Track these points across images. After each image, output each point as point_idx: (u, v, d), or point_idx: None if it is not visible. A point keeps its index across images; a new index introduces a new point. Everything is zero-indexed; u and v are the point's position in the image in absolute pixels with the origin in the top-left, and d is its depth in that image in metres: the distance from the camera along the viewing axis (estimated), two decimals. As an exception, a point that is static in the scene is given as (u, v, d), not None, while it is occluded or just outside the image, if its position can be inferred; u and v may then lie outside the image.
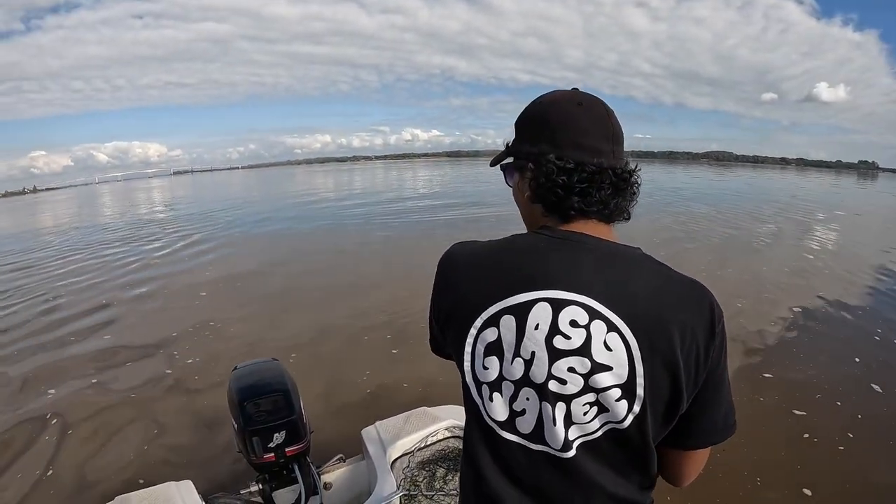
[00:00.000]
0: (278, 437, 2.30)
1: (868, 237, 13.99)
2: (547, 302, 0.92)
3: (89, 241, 15.59)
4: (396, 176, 50.06)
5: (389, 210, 19.03)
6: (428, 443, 2.38)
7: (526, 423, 0.96)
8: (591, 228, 0.99)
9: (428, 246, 10.85)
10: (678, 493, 1.06)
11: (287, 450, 2.32)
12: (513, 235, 1.03)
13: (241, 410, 2.30)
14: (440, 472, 2.25)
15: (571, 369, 0.90)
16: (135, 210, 26.48)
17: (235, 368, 2.54)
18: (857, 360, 5.33)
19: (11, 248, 15.24)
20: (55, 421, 4.50)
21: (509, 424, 0.97)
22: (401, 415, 2.57)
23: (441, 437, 2.40)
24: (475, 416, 1.02)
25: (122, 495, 2.13)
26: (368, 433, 2.51)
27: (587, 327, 0.89)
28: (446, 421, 2.45)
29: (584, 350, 0.89)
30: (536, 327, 0.92)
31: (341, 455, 2.67)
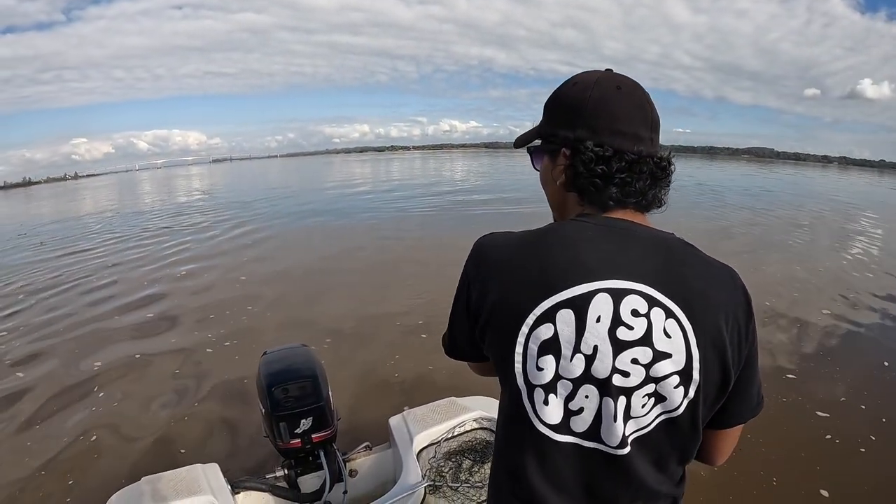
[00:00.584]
0: (305, 423, 2.30)
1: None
2: (606, 292, 0.88)
3: (135, 225, 16.02)
4: (435, 167, 49.84)
5: (431, 203, 18.83)
6: (455, 433, 2.35)
7: (581, 422, 0.91)
8: (631, 216, 0.96)
9: (463, 238, 10.78)
10: (691, 491, 1.03)
11: (314, 436, 2.32)
12: (551, 224, 1.00)
13: (268, 395, 2.31)
14: (466, 463, 2.22)
15: (635, 360, 0.87)
16: (178, 198, 26.69)
17: (265, 353, 2.54)
18: (885, 363, 5.14)
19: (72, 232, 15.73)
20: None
21: (564, 426, 0.92)
22: (429, 404, 2.55)
23: (469, 427, 2.37)
24: (520, 422, 0.94)
25: (148, 476, 2.15)
26: (395, 422, 2.49)
27: (647, 315, 0.87)
28: (474, 412, 2.41)
29: (647, 339, 0.87)
30: (598, 320, 0.88)
31: (367, 443, 2.66)
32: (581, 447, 0.92)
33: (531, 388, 0.91)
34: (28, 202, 38.21)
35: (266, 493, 2.37)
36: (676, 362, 0.87)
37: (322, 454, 2.38)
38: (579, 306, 0.88)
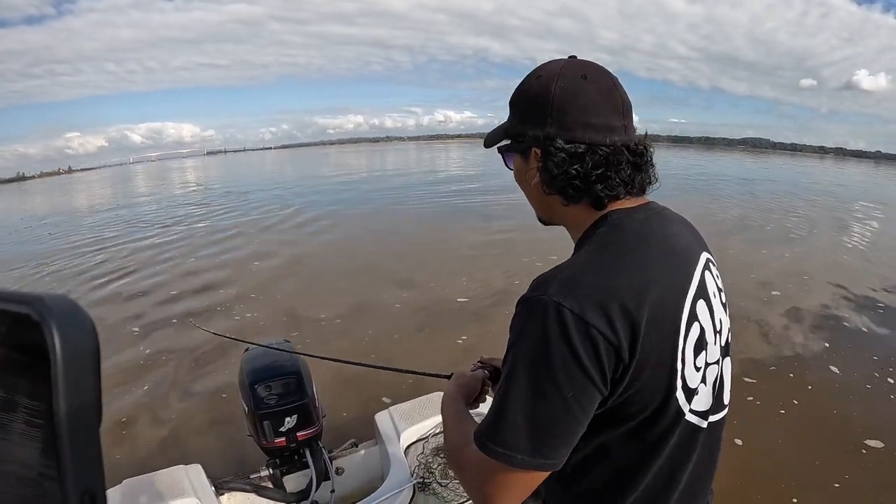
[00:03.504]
0: (290, 421, 2.25)
1: None
2: (705, 268, 0.93)
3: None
4: (430, 157, 49.78)
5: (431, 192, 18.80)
6: (442, 429, 2.31)
7: (714, 397, 0.94)
8: (633, 201, 0.94)
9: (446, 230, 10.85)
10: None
11: (299, 434, 2.27)
12: (612, 234, 0.88)
13: (251, 393, 2.25)
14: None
15: (722, 321, 0.95)
16: (188, 191, 26.24)
17: (246, 350, 2.49)
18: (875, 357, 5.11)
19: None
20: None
21: (710, 410, 0.92)
22: (416, 399, 2.52)
23: (474, 413, 2.33)
24: (665, 437, 0.86)
25: (130, 478, 2.11)
26: (382, 418, 2.46)
27: (717, 277, 0.97)
28: None
29: (721, 295, 0.96)
30: (714, 295, 0.93)
31: (354, 440, 2.63)
32: (713, 423, 0.94)
33: (690, 395, 0.87)
34: (44, 196, 38.02)
35: (251, 494, 2.33)
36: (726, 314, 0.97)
37: (308, 452, 2.33)
38: (704, 291, 0.90)
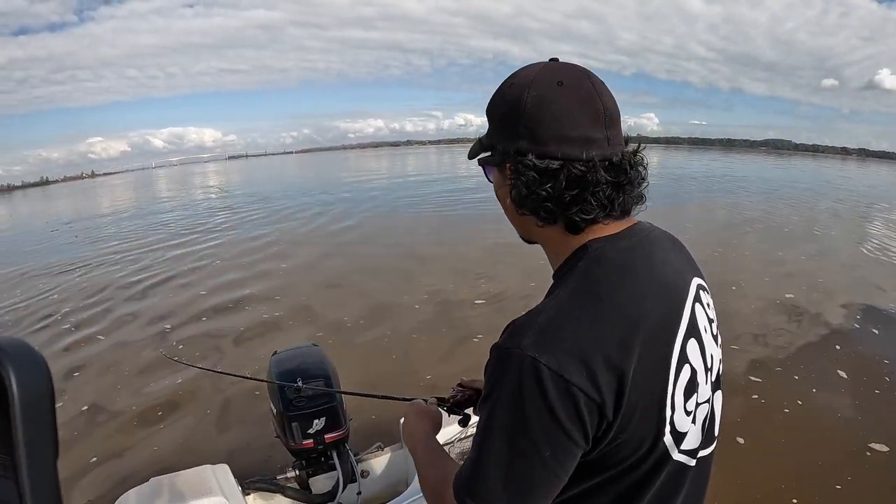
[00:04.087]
0: (318, 424, 2.27)
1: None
2: (695, 300, 0.86)
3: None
4: (450, 161, 49.42)
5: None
6: (468, 433, 2.31)
7: (703, 433, 0.87)
8: (616, 225, 0.84)
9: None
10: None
11: (326, 436, 2.29)
12: (590, 272, 0.80)
13: (280, 395, 2.28)
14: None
15: (713, 355, 0.89)
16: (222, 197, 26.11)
17: (275, 353, 2.52)
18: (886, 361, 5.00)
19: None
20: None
21: (699, 447, 0.86)
22: None
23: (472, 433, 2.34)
24: (653, 476, 0.81)
25: (157, 477, 2.12)
26: None
27: (708, 304, 0.90)
28: None
29: (713, 324, 0.90)
30: (705, 330, 0.86)
31: (380, 443, 2.64)
32: (702, 458, 0.87)
33: (679, 438, 0.81)
34: (69, 200, 38.57)
35: (277, 494, 2.35)
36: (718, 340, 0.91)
37: (335, 455, 2.35)
38: (695, 328, 0.83)
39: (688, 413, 0.81)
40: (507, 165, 0.84)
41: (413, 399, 1.25)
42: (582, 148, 0.78)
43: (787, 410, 4.00)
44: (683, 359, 0.79)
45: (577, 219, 0.81)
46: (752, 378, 4.44)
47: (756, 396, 4.18)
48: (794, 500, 3.03)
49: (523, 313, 0.78)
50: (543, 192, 0.79)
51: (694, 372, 0.81)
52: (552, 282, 0.87)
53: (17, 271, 10.25)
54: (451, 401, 1.28)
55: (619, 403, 0.73)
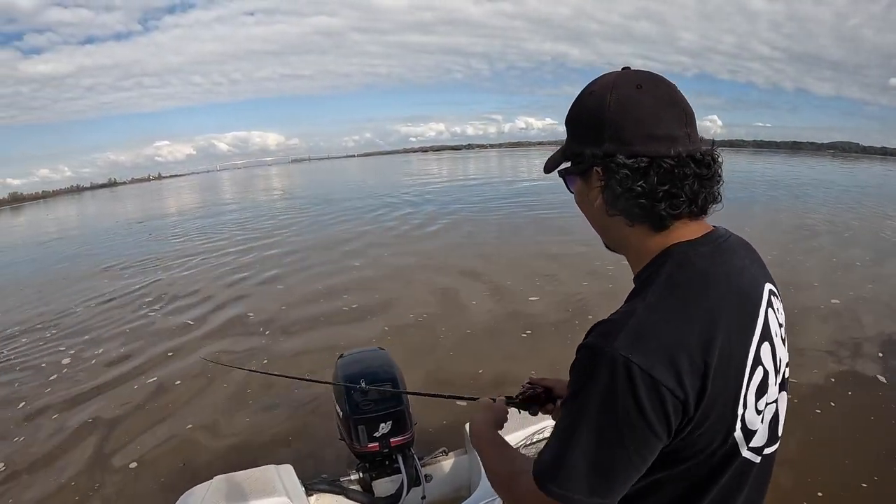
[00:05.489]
0: (384, 427, 2.27)
1: None
2: (767, 305, 0.88)
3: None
4: (512, 164, 48.83)
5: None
6: (534, 440, 2.27)
7: (772, 432, 0.90)
8: (697, 227, 0.87)
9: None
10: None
11: (392, 440, 2.29)
12: (678, 273, 0.82)
13: (347, 398, 2.29)
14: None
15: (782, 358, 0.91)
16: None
17: (341, 356, 2.53)
18: None
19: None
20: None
21: (768, 443, 0.89)
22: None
23: (548, 434, 2.30)
24: (719, 475, 0.84)
25: (222, 475, 2.16)
26: None
27: (779, 310, 0.92)
28: None
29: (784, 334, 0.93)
30: (776, 334, 0.88)
31: (444, 448, 2.62)
32: (766, 455, 0.89)
33: (748, 436, 0.84)
34: (138, 201, 40.22)
35: (341, 496, 2.36)
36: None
37: (400, 458, 2.34)
38: (767, 332, 0.86)
39: (758, 412, 0.84)
40: (595, 170, 0.87)
41: (478, 399, 1.29)
42: (668, 145, 0.82)
43: (818, 411, 3.94)
44: (757, 361, 0.83)
45: (665, 214, 0.83)
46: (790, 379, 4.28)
47: (789, 396, 4.01)
48: (819, 494, 3.03)
49: (610, 314, 0.82)
50: (638, 188, 0.82)
51: (766, 374, 0.84)
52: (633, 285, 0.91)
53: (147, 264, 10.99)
54: (519, 398, 1.31)
55: (699, 400, 0.76)
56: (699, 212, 0.86)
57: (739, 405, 0.81)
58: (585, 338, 0.82)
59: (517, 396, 1.31)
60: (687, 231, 0.86)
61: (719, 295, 0.81)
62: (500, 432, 1.15)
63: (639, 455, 0.78)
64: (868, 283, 7.22)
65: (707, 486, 0.84)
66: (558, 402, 1.30)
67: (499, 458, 1.04)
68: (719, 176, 0.87)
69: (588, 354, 0.79)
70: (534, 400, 1.31)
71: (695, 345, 0.76)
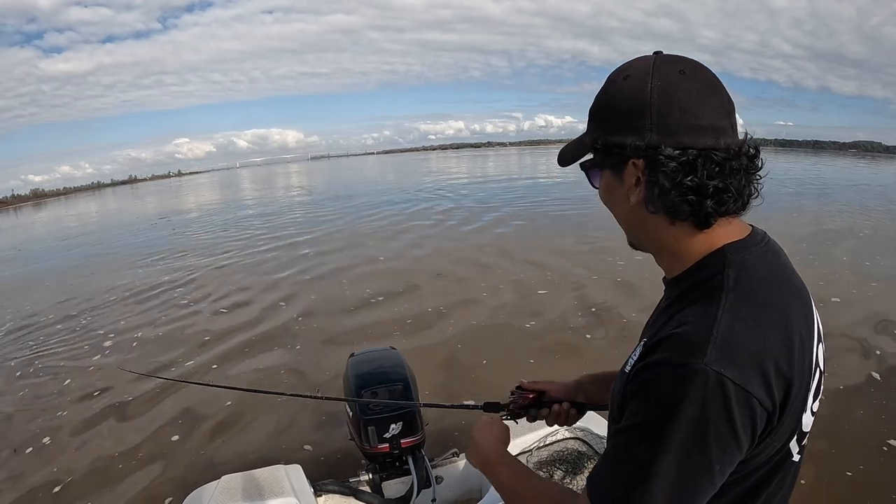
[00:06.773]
0: (395, 428, 2.24)
1: None
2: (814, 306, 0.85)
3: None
4: (531, 163, 48.53)
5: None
6: (547, 442, 2.23)
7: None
8: (739, 225, 0.83)
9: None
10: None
11: (403, 441, 2.26)
12: (743, 276, 0.77)
13: (357, 398, 2.27)
14: (558, 474, 2.10)
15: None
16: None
17: (352, 355, 2.52)
18: None
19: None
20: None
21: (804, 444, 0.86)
22: None
23: (561, 437, 2.25)
24: (778, 476, 0.83)
25: (230, 475, 2.16)
26: None
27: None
28: None
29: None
30: (818, 331, 0.84)
31: (455, 449, 2.59)
32: (801, 453, 0.86)
33: (801, 438, 0.82)
34: (158, 197, 40.78)
35: (350, 497, 2.34)
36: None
37: (410, 460, 2.32)
38: (820, 333, 0.83)
39: (813, 414, 0.81)
40: (632, 162, 0.80)
41: (471, 405, 1.29)
42: (715, 136, 0.76)
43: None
44: (817, 363, 0.80)
45: (711, 210, 0.77)
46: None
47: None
48: (802, 481, 2.89)
49: (674, 327, 0.76)
50: (689, 183, 0.76)
51: (822, 375, 0.82)
52: (664, 287, 0.89)
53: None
54: (510, 406, 1.29)
55: (784, 408, 0.74)
56: (742, 208, 0.81)
57: (806, 409, 0.78)
58: (652, 354, 0.76)
59: (508, 404, 1.29)
60: (732, 230, 0.81)
61: (786, 299, 0.78)
62: (512, 441, 1.12)
63: (722, 474, 0.73)
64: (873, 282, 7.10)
65: (761, 489, 0.81)
66: (554, 407, 1.26)
67: (524, 487, 0.97)
68: (760, 168, 0.82)
69: (670, 374, 0.72)
70: (526, 408, 1.28)
71: (778, 351, 0.73)
